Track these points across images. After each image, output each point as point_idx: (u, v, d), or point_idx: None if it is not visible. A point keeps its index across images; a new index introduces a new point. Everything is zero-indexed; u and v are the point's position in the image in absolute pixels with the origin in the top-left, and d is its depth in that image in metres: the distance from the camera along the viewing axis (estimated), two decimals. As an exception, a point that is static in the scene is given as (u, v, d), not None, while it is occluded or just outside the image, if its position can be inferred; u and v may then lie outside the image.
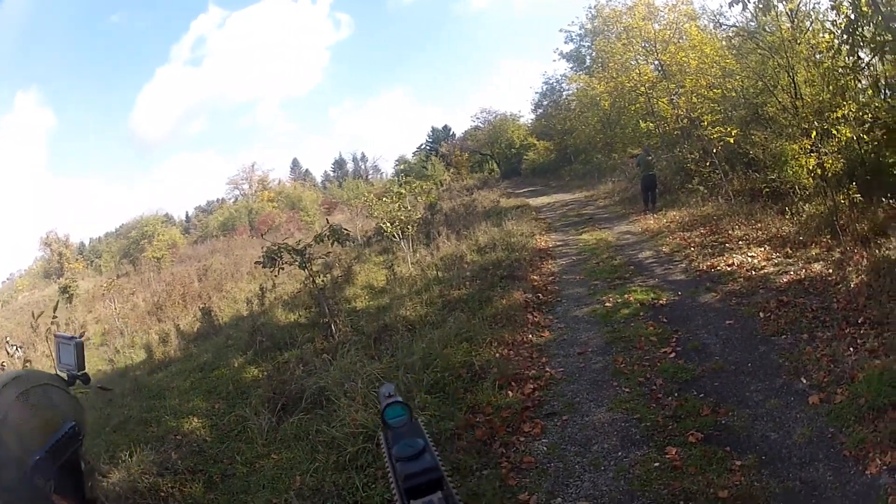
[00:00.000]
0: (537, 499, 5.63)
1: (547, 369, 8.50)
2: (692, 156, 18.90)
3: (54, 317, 10.62)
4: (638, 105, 26.22)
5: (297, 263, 11.64)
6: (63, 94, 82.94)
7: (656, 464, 5.71)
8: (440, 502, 1.37)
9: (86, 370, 1.96)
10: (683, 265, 12.61)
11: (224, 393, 10.32)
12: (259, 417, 8.18)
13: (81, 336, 2.31)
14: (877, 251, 9.39)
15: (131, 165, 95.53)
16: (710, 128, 17.35)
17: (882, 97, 12.21)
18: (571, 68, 44.00)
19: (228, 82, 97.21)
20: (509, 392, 7.71)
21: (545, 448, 6.45)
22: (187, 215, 70.38)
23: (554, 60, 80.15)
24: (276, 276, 12.69)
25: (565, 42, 48.15)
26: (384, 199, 21.16)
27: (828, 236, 11.17)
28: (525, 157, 51.30)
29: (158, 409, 10.08)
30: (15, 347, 12.02)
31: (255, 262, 13.14)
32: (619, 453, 6.07)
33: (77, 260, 55.42)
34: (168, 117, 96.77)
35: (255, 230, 44.70)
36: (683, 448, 5.88)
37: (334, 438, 6.98)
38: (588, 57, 39.88)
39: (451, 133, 70.78)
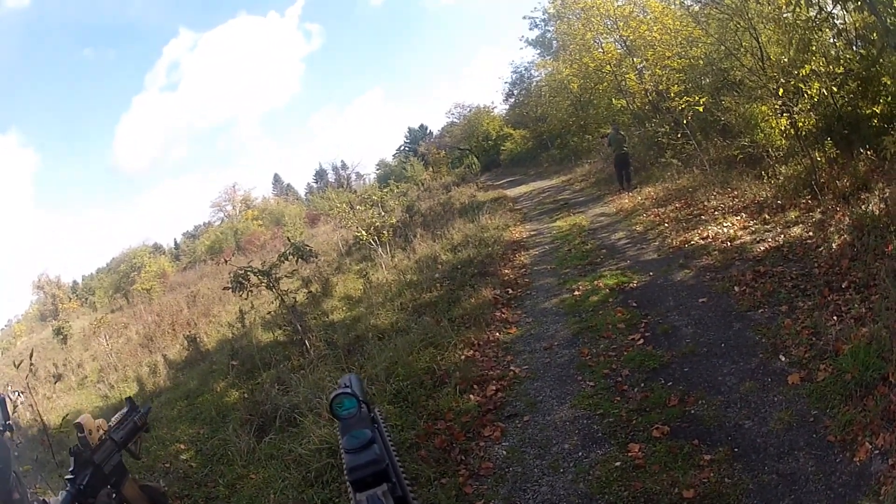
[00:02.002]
0: None
1: (511, 368, 8.17)
2: (662, 129, 18.53)
3: (31, 364, 10.27)
4: (605, 84, 25.98)
5: (264, 285, 11.64)
6: (43, 133, 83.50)
7: (617, 463, 5.35)
8: (384, 495, 1.33)
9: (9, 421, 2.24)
10: (656, 243, 12.25)
11: (207, 418, 10.27)
12: (239, 439, 8.11)
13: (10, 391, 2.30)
14: (859, 207, 8.91)
15: (118, 197, 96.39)
16: (677, 98, 17.01)
17: (854, 48, 11.88)
18: (539, 54, 44.30)
19: (205, 104, 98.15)
20: (471, 396, 7.41)
21: (504, 452, 6.17)
22: (175, 242, 71.04)
23: (521, 48, 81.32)
24: (245, 298, 12.34)
25: (530, 28, 48.45)
26: (358, 207, 21.11)
27: (807, 197, 10.81)
28: (502, 147, 51.32)
29: (148, 440, 9.81)
30: (17, 394, 11.68)
31: (223, 288, 13.44)
32: (580, 453, 5.74)
33: (71, 300, 55.80)
34: (149, 145, 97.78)
35: (242, 250, 44.85)
36: (647, 444, 5.51)
37: (301, 456, 6.84)
38: (554, 42, 39.67)
39: (427, 132, 71.47)
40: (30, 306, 56.05)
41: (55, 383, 18.13)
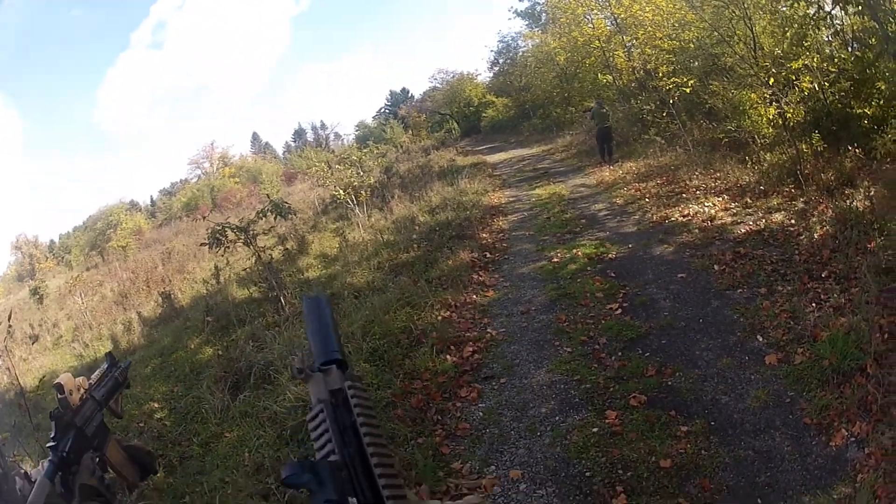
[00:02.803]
0: (470, 467, 5.39)
1: (488, 330, 8.22)
2: (648, 107, 18.49)
3: (9, 325, 10.13)
4: (593, 59, 25.84)
5: (241, 241, 11.56)
6: (27, 94, 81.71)
7: (595, 429, 5.41)
8: None
9: None
10: (637, 217, 12.21)
11: (181, 375, 10.20)
12: (213, 397, 8.05)
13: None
14: (843, 201, 8.90)
15: (98, 157, 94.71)
16: (665, 79, 16.94)
17: (849, 50, 11.91)
18: (527, 25, 43.75)
19: (191, 63, 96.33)
20: (448, 356, 7.45)
21: (481, 413, 6.23)
22: (152, 199, 69.67)
23: (509, 19, 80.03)
24: (221, 255, 12.25)
25: (519, 0, 47.80)
26: (338, 166, 20.85)
27: (790, 186, 10.79)
28: (484, 114, 51.00)
29: (123, 399, 9.78)
30: None
31: (201, 244, 13.35)
32: (557, 418, 5.80)
33: (47, 259, 55.05)
34: (132, 104, 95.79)
35: (218, 207, 44.37)
36: (625, 412, 5.58)
37: (277, 413, 6.84)
38: (543, 14, 39.39)
39: (409, 95, 70.62)
40: (7, 267, 55.31)
41: (32, 344, 17.98)
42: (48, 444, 1.64)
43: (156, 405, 8.92)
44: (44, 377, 10.87)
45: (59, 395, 1.73)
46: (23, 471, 1.63)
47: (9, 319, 10.45)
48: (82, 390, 1.80)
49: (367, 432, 0.94)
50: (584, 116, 24.17)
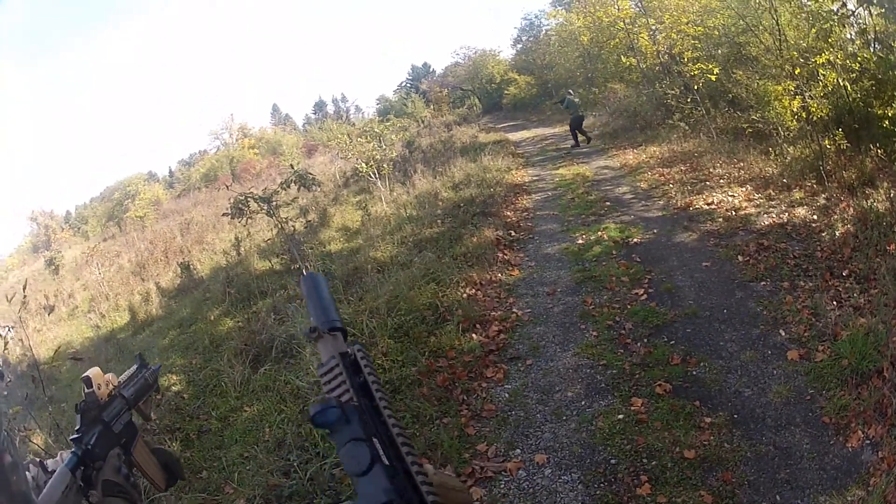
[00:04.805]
0: (496, 449, 5.43)
1: (514, 310, 8.29)
2: (672, 91, 18.48)
3: (24, 297, 10.21)
4: (617, 41, 25.71)
5: (264, 211, 11.51)
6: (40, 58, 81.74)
7: (620, 416, 5.48)
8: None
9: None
10: (661, 202, 12.25)
11: (200, 347, 10.21)
12: (233, 370, 8.07)
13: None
14: (864, 201, 8.94)
15: (114, 125, 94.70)
16: (690, 64, 16.96)
17: (872, 49, 11.82)
18: (551, 3, 43.76)
19: (211, 30, 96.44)
20: (473, 335, 7.53)
21: (507, 395, 6.27)
22: (170, 170, 69.71)
23: (534, -4, 79.71)
24: (244, 225, 12.32)
25: (544, -23, 47.70)
26: (359, 139, 20.84)
27: (813, 181, 10.79)
28: (506, 92, 50.71)
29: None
30: (7, 328, 11.68)
31: (223, 214, 13.12)
32: (583, 402, 5.86)
33: (63, 229, 54.96)
34: (151, 71, 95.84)
35: (237, 178, 44.31)
36: (650, 400, 5.65)
37: (299, 388, 6.89)
38: (568, -8, 39.21)
39: (430, 70, 70.53)
40: (23, 239, 55.24)
41: (48, 315, 18.02)
42: (72, 437, 1.60)
43: (174, 378, 8.99)
44: (59, 348, 10.86)
45: (87, 389, 1.68)
46: (37, 459, 1.56)
47: (24, 290, 10.52)
48: (111, 386, 1.76)
49: (377, 389, 1.04)
50: (557, 106, 24.90)
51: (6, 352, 8.07)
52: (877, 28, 11.48)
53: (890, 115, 10.66)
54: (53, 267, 26.46)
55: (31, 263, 39.68)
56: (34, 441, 6.52)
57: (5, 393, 6.24)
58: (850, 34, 11.97)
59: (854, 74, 11.38)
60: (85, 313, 17.97)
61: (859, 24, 11.69)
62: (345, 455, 0.95)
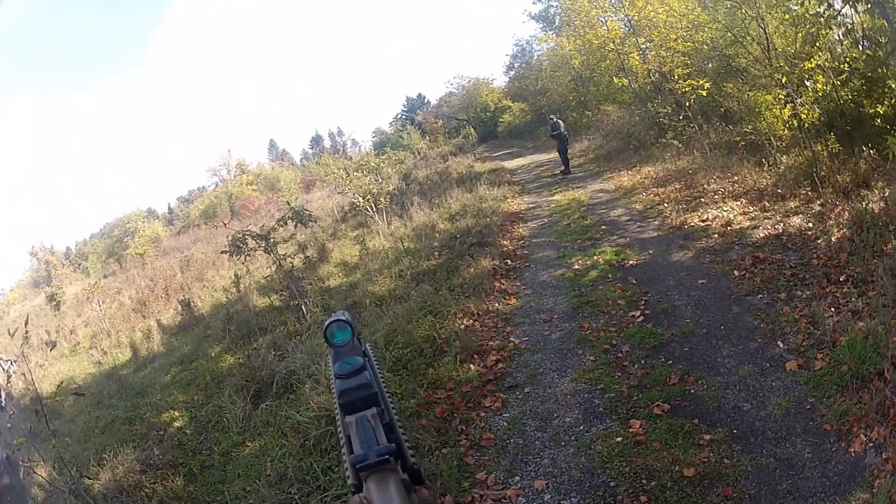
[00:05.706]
0: (495, 477, 5.39)
1: (511, 339, 8.22)
2: (664, 110, 18.54)
3: (26, 332, 10.26)
4: (608, 62, 25.88)
5: (262, 249, 11.62)
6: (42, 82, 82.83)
7: (619, 438, 5.44)
8: (373, 418, 1.37)
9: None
10: (656, 222, 12.23)
11: (202, 384, 10.32)
12: (234, 406, 8.16)
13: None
14: (859, 203, 8.87)
15: (112, 163, 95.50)
16: (681, 81, 16.99)
17: (861, 48, 11.82)
18: (541, 28, 44.10)
19: (207, 71, 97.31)
20: (471, 365, 7.46)
21: (505, 423, 6.23)
22: (169, 207, 70.16)
23: (523, 22, 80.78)
24: (242, 263, 12.37)
25: (533, 3, 48.10)
26: (356, 173, 20.76)
27: (807, 188, 10.81)
28: (501, 119, 50.93)
29: (142, 407, 10.26)
30: (9, 363, 11.71)
31: (221, 252, 13.30)
32: (581, 427, 5.81)
33: (64, 265, 55.21)
34: (149, 109, 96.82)
35: (236, 214, 44.54)
36: (648, 421, 5.61)
37: (300, 423, 6.82)
38: (557, 17, 39.57)
39: (425, 101, 71.04)
40: (23, 274, 55.52)
41: (50, 350, 17.98)
42: None
43: (176, 413, 9.08)
44: (61, 383, 11.06)
45: None
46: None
47: (25, 325, 10.56)
48: None
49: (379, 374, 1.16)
50: (546, 129, 25.05)
51: (9, 384, 8.12)
52: (864, 25, 11.51)
53: (881, 112, 10.71)
54: (55, 303, 26.56)
55: (32, 298, 39.85)
56: (38, 473, 6.64)
57: (9, 426, 6.29)
58: (838, 35, 12.00)
59: (844, 76, 11.40)
60: (87, 349, 18.17)
61: (846, 24, 11.70)
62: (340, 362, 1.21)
